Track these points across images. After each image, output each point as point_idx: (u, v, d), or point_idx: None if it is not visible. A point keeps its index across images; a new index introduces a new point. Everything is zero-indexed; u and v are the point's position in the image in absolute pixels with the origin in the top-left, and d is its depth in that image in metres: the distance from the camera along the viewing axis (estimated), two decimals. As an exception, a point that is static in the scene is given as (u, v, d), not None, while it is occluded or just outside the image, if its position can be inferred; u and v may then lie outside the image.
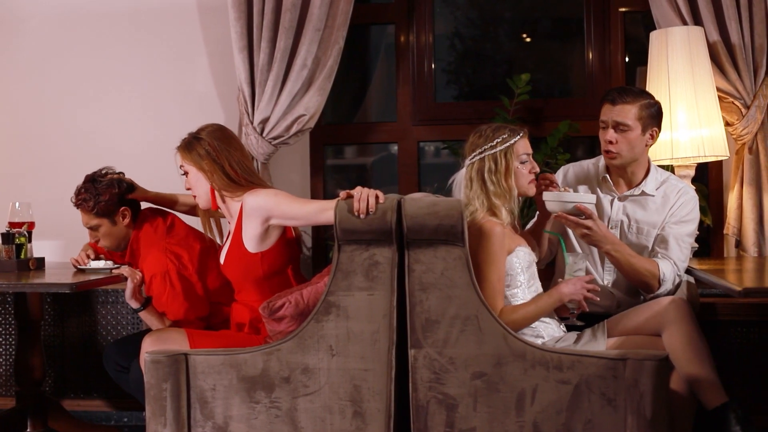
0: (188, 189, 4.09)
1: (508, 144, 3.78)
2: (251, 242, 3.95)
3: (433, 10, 5.56)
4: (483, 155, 3.78)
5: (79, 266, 4.34)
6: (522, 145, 3.82)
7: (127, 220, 4.30)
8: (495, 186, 3.76)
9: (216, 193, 4.00)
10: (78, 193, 4.26)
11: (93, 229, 4.30)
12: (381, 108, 6.02)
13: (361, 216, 3.47)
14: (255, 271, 3.98)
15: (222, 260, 4.11)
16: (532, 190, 3.88)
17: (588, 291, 3.70)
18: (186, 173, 4.06)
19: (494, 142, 3.78)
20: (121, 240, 4.34)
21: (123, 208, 4.28)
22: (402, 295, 3.51)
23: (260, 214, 3.91)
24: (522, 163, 3.82)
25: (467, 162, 3.83)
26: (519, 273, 3.75)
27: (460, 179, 3.88)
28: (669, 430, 3.34)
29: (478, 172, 3.79)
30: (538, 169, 3.89)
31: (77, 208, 4.28)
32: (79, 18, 5.56)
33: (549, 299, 3.72)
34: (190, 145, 4.04)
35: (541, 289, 3.85)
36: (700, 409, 3.69)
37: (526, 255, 3.79)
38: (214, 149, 3.99)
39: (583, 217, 3.85)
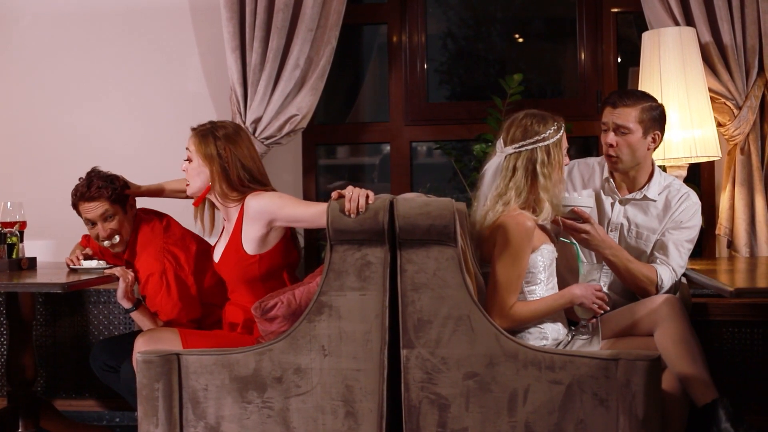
0: (183, 171, 4.08)
1: (559, 136, 3.75)
2: (251, 244, 3.95)
3: (426, 10, 5.56)
4: (535, 146, 3.72)
5: (72, 266, 4.34)
6: (565, 137, 3.81)
7: (134, 210, 4.31)
8: (546, 179, 3.71)
9: (214, 192, 4.00)
10: (90, 184, 4.22)
11: (108, 219, 4.25)
12: (373, 108, 6.02)
13: (352, 216, 3.46)
14: (251, 273, 3.98)
15: (217, 259, 4.10)
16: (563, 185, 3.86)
17: (597, 299, 3.71)
18: (189, 159, 4.05)
19: (547, 133, 3.73)
20: (130, 229, 4.32)
21: (130, 199, 4.30)
22: (394, 295, 3.51)
23: (264, 217, 3.90)
24: (565, 155, 3.81)
25: (510, 151, 3.75)
26: (541, 271, 3.73)
27: (497, 167, 3.79)
28: (661, 430, 3.35)
29: (528, 163, 3.72)
30: (568, 162, 3.87)
31: (90, 201, 4.20)
32: (70, 17, 5.55)
33: (560, 299, 3.72)
34: (206, 139, 4.00)
35: (557, 287, 3.83)
36: (692, 409, 3.69)
37: (549, 253, 3.76)
38: (228, 155, 3.98)
39: (581, 221, 3.85)
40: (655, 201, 4.12)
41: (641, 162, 4.11)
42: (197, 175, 4.02)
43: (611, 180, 4.17)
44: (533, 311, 3.68)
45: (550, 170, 3.72)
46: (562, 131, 3.77)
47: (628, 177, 4.15)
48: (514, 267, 3.63)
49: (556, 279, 3.84)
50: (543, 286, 3.75)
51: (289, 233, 4.08)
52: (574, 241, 3.92)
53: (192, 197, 4.10)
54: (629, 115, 4.03)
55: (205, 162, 3.98)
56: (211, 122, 4.08)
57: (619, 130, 4.04)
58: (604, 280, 4.10)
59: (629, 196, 4.14)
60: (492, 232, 3.70)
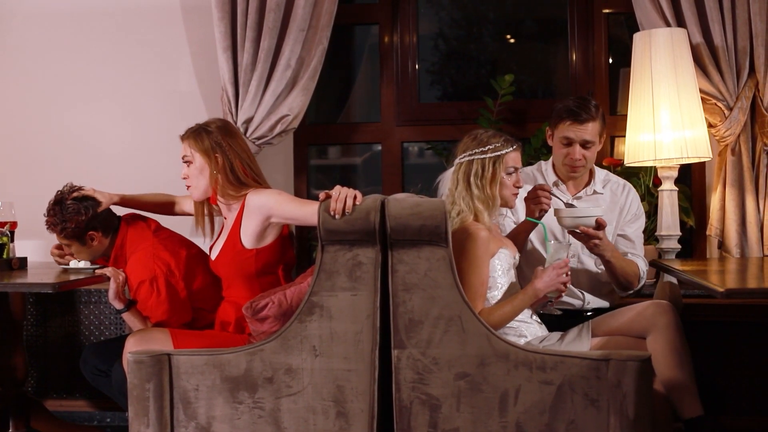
0: (185, 178, 4.07)
1: (499, 153, 3.78)
2: (249, 239, 3.98)
3: (417, 11, 5.57)
4: (473, 158, 3.79)
5: (63, 265, 4.33)
6: (512, 157, 3.82)
7: (96, 242, 4.26)
8: (479, 191, 3.76)
9: (218, 188, 4.02)
10: (47, 213, 4.22)
11: (66, 246, 4.29)
12: (365, 108, 6.02)
13: (337, 216, 3.47)
14: (248, 267, 4.00)
15: (214, 257, 4.11)
16: (512, 203, 3.89)
17: (565, 276, 3.70)
18: (189, 162, 4.06)
19: (486, 148, 3.78)
20: (95, 254, 4.30)
21: (90, 232, 4.24)
22: (385, 295, 3.51)
23: (262, 212, 3.94)
24: (508, 174, 3.82)
25: (456, 161, 3.85)
26: (500, 276, 3.76)
27: (447, 176, 3.90)
28: (651, 430, 3.35)
29: (464, 174, 3.80)
30: (522, 185, 3.89)
31: (47, 230, 4.26)
32: (62, 17, 5.54)
33: (524, 296, 3.71)
34: (199, 135, 4.03)
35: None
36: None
37: (507, 257, 3.79)
38: (227, 144, 4.04)
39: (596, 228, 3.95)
40: (602, 194, 4.29)
41: (591, 166, 4.30)
42: (200, 174, 4.04)
43: (560, 183, 4.31)
44: (502, 315, 3.69)
45: (483, 183, 3.77)
46: (506, 150, 3.80)
47: (574, 181, 4.30)
48: (475, 275, 3.67)
49: (518, 285, 3.86)
50: (503, 291, 3.78)
51: (286, 233, 4.10)
52: (541, 222, 3.95)
53: (199, 200, 4.11)
54: (594, 130, 4.16)
55: (205, 158, 4.01)
56: (197, 123, 4.10)
57: (586, 145, 4.16)
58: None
59: (580, 194, 4.29)
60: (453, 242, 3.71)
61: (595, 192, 4.27)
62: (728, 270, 4.22)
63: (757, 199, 4.82)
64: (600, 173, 4.36)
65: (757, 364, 4.72)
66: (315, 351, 3.51)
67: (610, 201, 4.26)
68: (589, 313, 4.19)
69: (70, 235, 4.21)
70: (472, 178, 3.78)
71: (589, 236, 3.91)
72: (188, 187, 4.09)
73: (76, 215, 4.17)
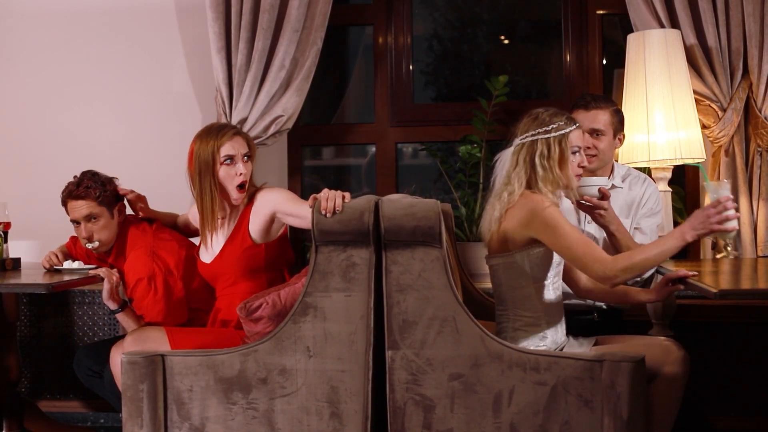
0: (242, 174, 4.07)
1: (563, 132, 3.64)
2: (257, 234, 4.07)
3: (412, 12, 5.56)
4: (536, 138, 3.64)
5: (55, 267, 4.31)
6: (576, 136, 3.68)
7: (122, 217, 4.27)
8: (546, 171, 3.61)
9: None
10: (80, 183, 4.18)
11: (92, 219, 4.21)
12: (359, 109, 6.03)
13: (328, 215, 3.47)
14: (257, 262, 4.07)
15: (210, 259, 4.11)
16: (574, 183, 3.71)
17: (716, 213, 3.39)
18: (251, 158, 4.15)
19: (549, 127, 3.63)
20: (114, 236, 4.28)
21: (120, 203, 4.27)
22: (379, 296, 3.51)
23: (270, 208, 4.03)
24: (573, 153, 3.67)
25: (517, 141, 3.69)
26: (553, 266, 3.64)
27: (506, 157, 3.72)
28: (645, 431, 3.35)
29: (528, 155, 3.64)
30: (586, 164, 3.75)
31: (78, 200, 4.16)
32: (55, 17, 5.53)
33: (670, 238, 3.45)
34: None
35: (560, 291, 3.72)
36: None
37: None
38: None
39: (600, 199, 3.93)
40: (621, 188, 4.30)
41: (608, 162, 4.29)
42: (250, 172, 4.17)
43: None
44: (645, 258, 3.44)
45: (551, 164, 3.61)
46: (569, 129, 3.65)
47: (595, 174, 4.26)
48: (567, 235, 3.48)
49: (562, 283, 3.76)
50: (549, 286, 3.64)
51: (286, 232, 4.13)
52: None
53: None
54: (603, 118, 4.21)
55: (253, 159, 4.19)
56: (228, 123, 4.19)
57: (594, 133, 4.20)
58: None
59: None
60: (507, 219, 3.61)
61: (614, 186, 4.25)
62: (722, 271, 4.22)
63: (751, 200, 4.83)
64: (620, 168, 4.37)
65: (751, 365, 4.73)
66: (309, 352, 3.51)
67: (627, 193, 4.28)
68: (595, 315, 4.23)
69: (108, 200, 4.21)
70: (536, 159, 3.62)
71: (594, 206, 3.90)
72: (245, 183, 4.09)
73: (112, 181, 4.22)
